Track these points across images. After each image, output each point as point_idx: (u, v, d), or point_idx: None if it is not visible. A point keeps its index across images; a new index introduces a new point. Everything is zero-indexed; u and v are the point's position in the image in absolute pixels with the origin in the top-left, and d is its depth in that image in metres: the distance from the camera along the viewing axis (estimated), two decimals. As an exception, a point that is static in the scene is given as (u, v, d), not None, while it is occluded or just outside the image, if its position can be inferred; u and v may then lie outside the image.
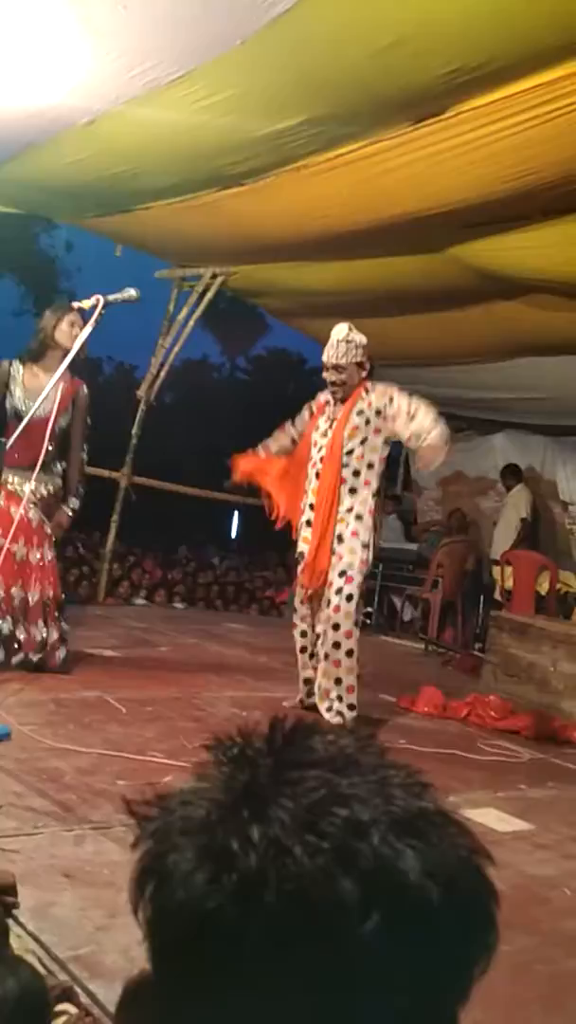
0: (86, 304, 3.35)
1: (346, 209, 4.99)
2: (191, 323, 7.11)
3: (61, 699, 3.87)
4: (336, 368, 4.14)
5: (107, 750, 3.17)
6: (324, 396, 4.34)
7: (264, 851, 0.56)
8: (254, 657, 5.79)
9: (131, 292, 3.40)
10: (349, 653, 4.01)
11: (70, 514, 4.33)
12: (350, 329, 4.19)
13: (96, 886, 2.11)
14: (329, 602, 4.02)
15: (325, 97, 4.06)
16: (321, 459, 4.16)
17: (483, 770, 3.71)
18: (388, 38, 3.61)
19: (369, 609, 8.39)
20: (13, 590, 4.20)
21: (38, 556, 4.28)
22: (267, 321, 22.16)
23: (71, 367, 3.68)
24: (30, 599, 4.28)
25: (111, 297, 3.36)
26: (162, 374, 7.19)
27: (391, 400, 4.13)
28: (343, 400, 4.18)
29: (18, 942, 1.78)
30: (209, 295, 6.91)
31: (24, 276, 16.91)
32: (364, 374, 4.20)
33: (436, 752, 3.87)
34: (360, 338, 4.19)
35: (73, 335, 3.98)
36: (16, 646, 4.22)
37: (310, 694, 4.25)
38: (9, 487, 4.20)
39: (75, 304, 3.39)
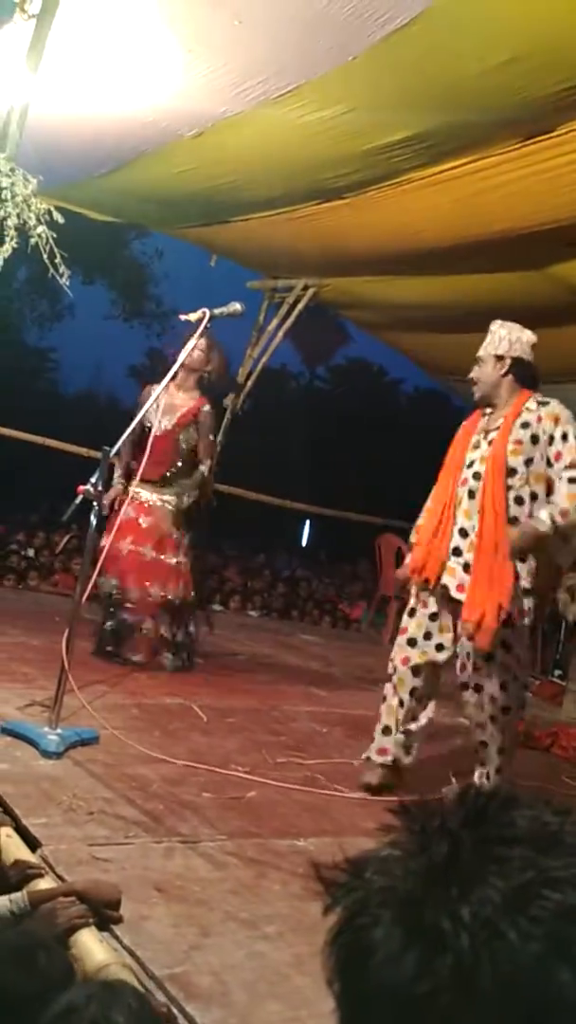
0: (192, 317, 3.38)
1: (447, 224, 4.93)
2: (280, 334, 7.13)
3: (144, 704, 3.90)
4: (476, 361, 3.49)
5: (191, 760, 3.18)
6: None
7: (476, 933, 0.53)
8: (329, 671, 5.76)
9: (236, 306, 3.43)
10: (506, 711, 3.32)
11: (169, 508, 4.66)
12: (502, 324, 3.60)
13: (188, 902, 2.11)
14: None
15: (434, 113, 4.02)
16: (476, 475, 3.32)
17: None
18: (503, 55, 3.56)
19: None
20: (148, 588, 4.60)
21: (172, 560, 4.65)
22: (348, 331, 22.17)
23: (200, 386, 4.05)
24: (157, 596, 4.64)
25: (217, 311, 3.38)
26: (249, 383, 7.24)
27: (564, 437, 3.26)
28: (480, 404, 3.48)
29: (115, 955, 1.79)
30: (300, 307, 6.91)
31: (114, 281, 17.27)
32: (508, 374, 3.40)
33: (518, 785, 3.77)
34: (507, 332, 3.51)
35: (197, 356, 4.38)
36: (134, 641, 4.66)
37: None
38: (137, 498, 4.58)
39: (181, 316, 3.44)
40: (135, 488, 4.53)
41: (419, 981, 0.53)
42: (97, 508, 3.10)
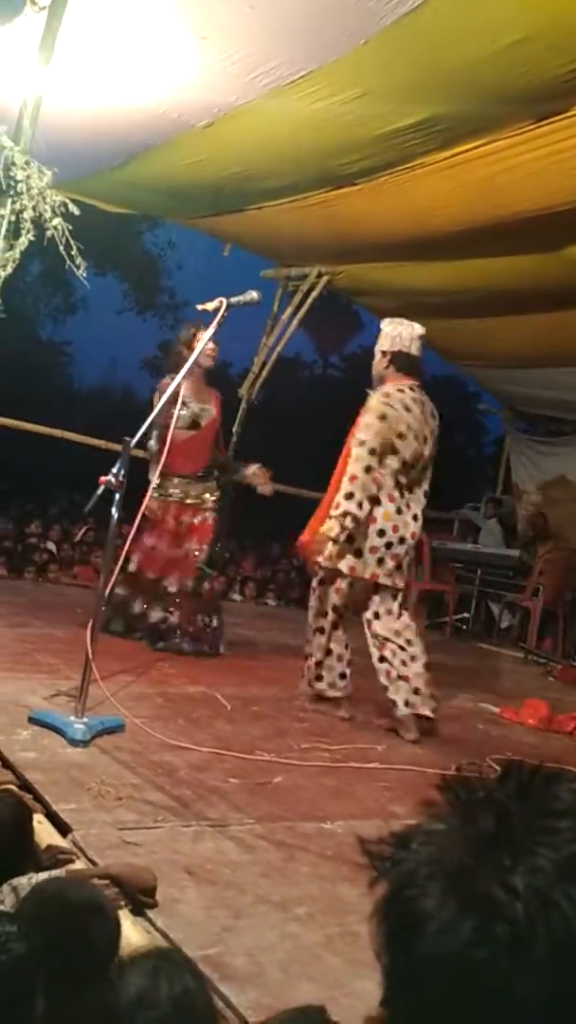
0: (209, 306, 3.39)
1: (460, 208, 4.91)
2: (295, 323, 7.12)
3: (169, 693, 3.93)
4: None
5: (217, 747, 3.20)
6: None
7: (530, 901, 0.54)
8: (349, 658, 5.76)
9: (253, 295, 3.43)
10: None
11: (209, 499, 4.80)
12: (389, 321, 4.12)
13: (218, 885, 2.13)
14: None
15: (447, 95, 4.00)
16: None
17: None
18: (515, 35, 3.53)
19: (466, 615, 8.28)
20: (163, 580, 4.74)
21: (191, 549, 4.75)
22: (362, 319, 22.06)
23: (207, 377, 4.48)
24: (174, 587, 4.75)
25: (233, 299, 3.39)
26: (264, 373, 7.24)
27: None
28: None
29: (148, 938, 1.82)
30: (314, 295, 6.90)
31: (127, 274, 17.28)
32: (390, 366, 3.98)
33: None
34: (391, 329, 4.03)
35: (211, 349, 4.48)
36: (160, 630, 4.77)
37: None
38: (170, 495, 4.67)
39: (199, 306, 3.44)
40: (167, 484, 4.64)
41: (476, 949, 0.54)
42: (119, 499, 3.12)
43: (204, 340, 3.32)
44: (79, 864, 2.11)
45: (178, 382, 3.31)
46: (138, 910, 1.90)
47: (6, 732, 2.97)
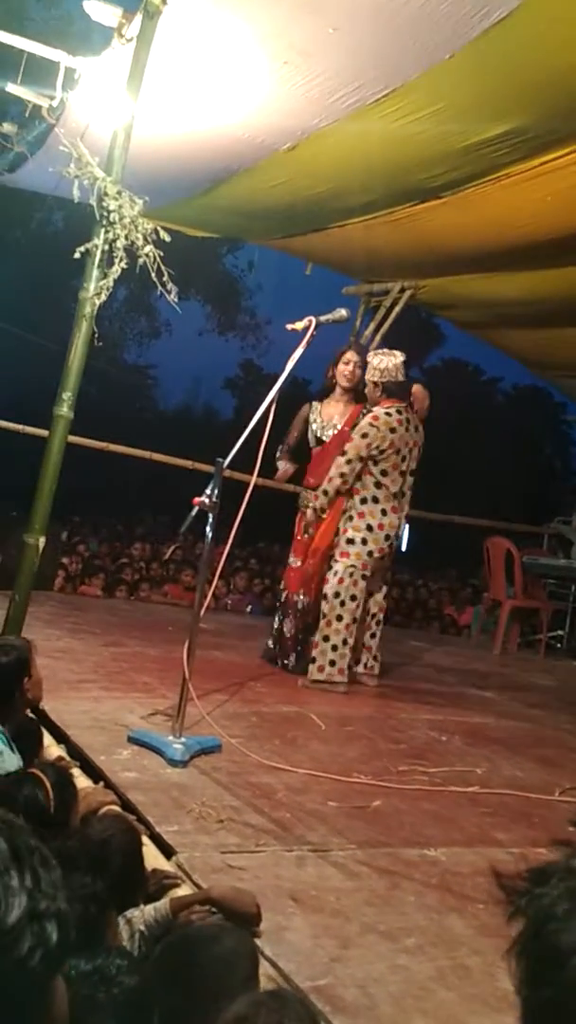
0: (298, 325, 3.39)
1: (549, 217, 4.81)
2: (377, 338, 7.09)
3: (262, 712, 3.92)
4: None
5: (313, 769, 3.17)
6: None
7: None
8: (441, 677, 5.67)
9: (342, 312, 3.43)
10: None
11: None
12: (375, 353, 4.83)
13: (324, 913, 2.10)
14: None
15: (534, 105, 3.92)
16: None
17: None
18: (606, 39, 3.45)
19: (559, 632, 8.05)
20: (301, 597, 4.87)
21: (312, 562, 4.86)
22: (443, 331, 21.89)
23: (355, 395, 4.86)
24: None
25: (323, 318, 3.39)
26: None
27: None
28: None
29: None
30: (397, 310, 6.86)
31: (208, 295, 17.59)
32: (383, 393, 4.70)
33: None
34: (379, 361, 4.70)
35: (346, 372, 4.85)
36: (287, 649, 4.88)
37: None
38: (302, 507, 4.90)
39: (288, 326, 3.44)
40: (302, 498, 4.92)
41: None
42: (212, 520, 3.13)
43: (295, 357, 3.32)
44: (184, 889, 2.11)
45: (267, 404, 3.26)
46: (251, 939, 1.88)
47: (107, 752, 3.01)
